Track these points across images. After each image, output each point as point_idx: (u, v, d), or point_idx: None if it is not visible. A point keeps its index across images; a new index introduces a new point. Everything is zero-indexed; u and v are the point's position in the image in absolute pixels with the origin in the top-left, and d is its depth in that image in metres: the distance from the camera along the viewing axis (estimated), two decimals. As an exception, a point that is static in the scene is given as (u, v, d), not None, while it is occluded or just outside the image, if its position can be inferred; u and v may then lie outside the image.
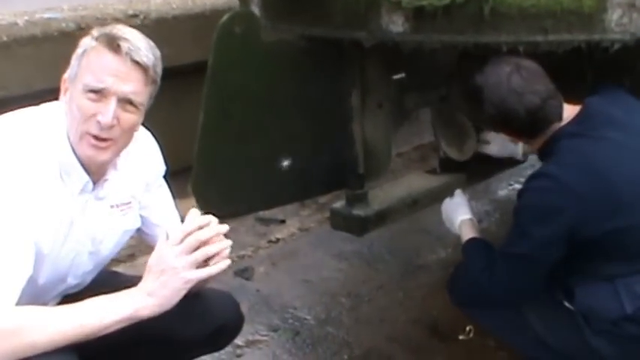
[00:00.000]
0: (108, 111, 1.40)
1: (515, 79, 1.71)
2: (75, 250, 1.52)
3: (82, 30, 2.80)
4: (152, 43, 1.47)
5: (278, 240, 3.12)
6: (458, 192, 2.13)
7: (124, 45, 1.39)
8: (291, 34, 1.93)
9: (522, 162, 2.62)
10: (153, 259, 1.42)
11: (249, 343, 2.42)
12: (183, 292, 1.39)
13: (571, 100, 1.79)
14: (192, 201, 1.89)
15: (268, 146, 2.00)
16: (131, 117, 1.44)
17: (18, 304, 1.35)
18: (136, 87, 1.42)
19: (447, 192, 2.38)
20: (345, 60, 2.04)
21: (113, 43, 1.40)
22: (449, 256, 2.93)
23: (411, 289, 2.73)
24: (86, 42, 1.43)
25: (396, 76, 2.19)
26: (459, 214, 2.03)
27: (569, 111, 1.77)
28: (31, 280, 1.40)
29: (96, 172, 1.50)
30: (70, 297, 1.58)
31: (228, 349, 2.20)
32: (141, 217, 1.65)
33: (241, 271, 2.84)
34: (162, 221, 1.68)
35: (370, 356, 2.38)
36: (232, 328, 1.77)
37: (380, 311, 2.61)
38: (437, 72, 2.23)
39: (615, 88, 1.84)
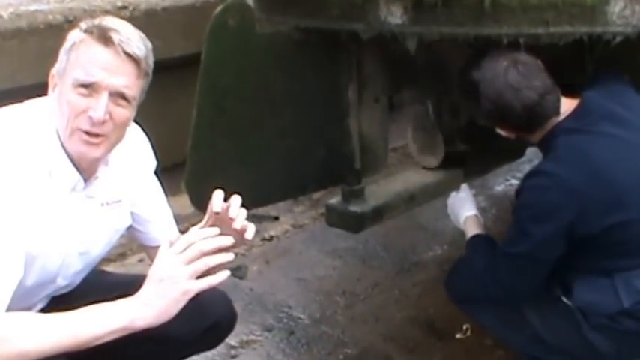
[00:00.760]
0: (99, 106, 1.37)
1: (512, 74, 1.71)
2: (65, 250, 1.49)
3: (69, 23, 2.78)
4: (143, 35, 1.44)
5: (271, 237, 3.10)
6: (464, 187, 2.13)
7: (114, 37, 1.37)
8: (286, 26, 1.91)
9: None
10: (153, 267, 1.38)
11: (243, 343, 2.40)
12: (181, 304, 1.35)
13: (570, 94, 1.78)
14: (185, 198, 1.88)
15: (263, 142, 1.98)
16: (124, 111, 1.42)
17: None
18: (128, 80, 1.39)
19: (445, 187, 2.38)
20: (342, 53, 2.03)
21: (103, 36, 1.37)
22: (445, 253, 2.93)
23: (407, 287, 2.73)
24: (75, 35, 1.41)
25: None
26: (465, 209, 2.04)
27: (567, 105, 1.77)
28: (19, 282, 1.37)
29: (87, 170, 1.47)
30: (60, 299, 1.57)
31: (222, 349, 2.20)
32: (131, 214, 1.63)
33: (234, 269, 2.82)
34: (153, 218, 1.67)
35: (366, 355, 2.37)
36: (225, 325, 1.75)
37: (376, 309, 2.60)
38: (436, 66, 2.22)
39: (614, 79, 1.84)
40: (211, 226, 1.45)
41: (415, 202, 2.36)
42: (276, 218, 3.21)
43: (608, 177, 1.67)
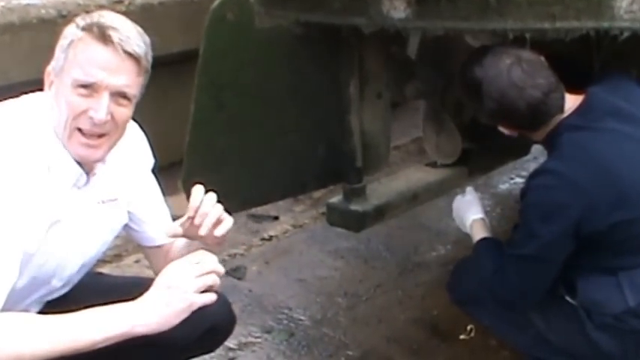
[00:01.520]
0: (101, 107, 1.37)
1: (516, 72, 1.71)
2: (62, 248, 1.49)
3: (63, 17, 2.77)
4: (140, 30, 1.44)
5: (271, 237, 3.10)
6: (469, 189, 2.12)
7: (113, 35, 1.36)
8: (286, 20, 1.91)
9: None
10: (164, 273, 1.37)
11: (242, 346, 2.40)
12: (184, 316, 1.35)
13: (574, 90, 1.78)
14: (183, 197, 1.87)
15: (262, 139, 1.99)
16: (125, 111, 1.42)
17: None
18: (128, 79, 1.39)
19: (448, 186, 2.38)
20: (343, 48, 2.02)
21: (102, 34, 1.36)
22: (449, 253, 2.93)
23: (410, 288, 2.73)
24: (71, 32, 1.40)
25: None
26: (471, 213, 2.03)
27: (572, 101, 1.77)
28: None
29: (86, 166, 1.47)
30: (54, 302, 1.56)
31: (221, 351, 2.20)
32: (128, 212, 1.63)
33: (233, 270, 2.82)
34: (150, 217, 1.67)
35: (368, 358, 2.37)
36: (224, 328, 1.75)
37: (378, 311, 2.60)
38: (439, 61, 2.22)
39: (619, 77, 1.84)
40: (191, 222, 1.46)
41: (418, 200, 2.36)
42: (276, 218, 3.21)
43: (613, 173, 1.67)
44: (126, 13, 1.48)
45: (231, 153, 1.92)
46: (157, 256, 1.69)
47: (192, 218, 1.46)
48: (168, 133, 2.07)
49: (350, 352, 2.39)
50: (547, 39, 1.70)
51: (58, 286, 1.55)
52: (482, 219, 2.02)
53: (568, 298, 1.80)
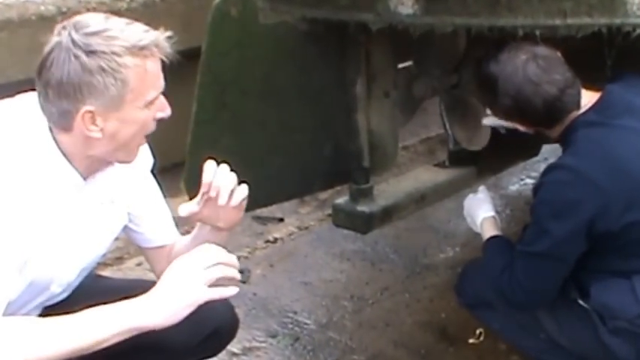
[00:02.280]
0: (164, 105, 1.45)
1: (532, 69, 1.72)
2: (61, 252, 1.49)
3: (62, 14, 2.77)
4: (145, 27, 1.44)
5: (276, 240, 3.10)
6: (482, 188, 2.13)
7: (150, 46, 1.39)
8: (291, 16, 1.91)
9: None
10: (168, 270, 1.39)
11: (246, 350, 2.41)
12: (191, 309, 1.35)
13: (589, 87, 1.79)
14: (185, 199, 1.87)
15: (266, 138, 1.99)
16: None
17: None
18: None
19: (457, 186, 2.38)
20: (350, 45, 2.02)
21: (143, 51, 1.38)
22: (457, 255, 2.93)
23: (417, 291, 2.73)
24: (115, 63, 1.36)
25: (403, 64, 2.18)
26: (482, 211, 2.04)
27: (588, 98, 1.78)
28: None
29: (84, 170, 1.47)
30: (53, 307, 1.55)
31: (224, 356, 2.20)
32: (128, 214, 1.63)
33: (236, 273, 2.82)
34: (149, 218, 1.67)
35: (375, 362, 2.38)
36: (226, 332, 1.75)
37: (385, 314, 2.60)
38: (448, 58, 2.22)
39: (636, 75, 1.84)
40: (207, 198, 1.48)
41: (426, 201, 2.36)
42: (281, 220, 3.21)
43: (628, 171, 1.68)
44: (127, 11, 1.48)
45: (235, 153, 1.91)
46: (158, 258, 1.69)
47: (207, 193, 1.47)
48: (170, 132, 2.06)
49: (356, 357, 2.39)
50: (558, 36, 1.70)
51: (58, 292, 1.55)
52: (493, 217, 2.03)
53: (580, 302, 1.80)
